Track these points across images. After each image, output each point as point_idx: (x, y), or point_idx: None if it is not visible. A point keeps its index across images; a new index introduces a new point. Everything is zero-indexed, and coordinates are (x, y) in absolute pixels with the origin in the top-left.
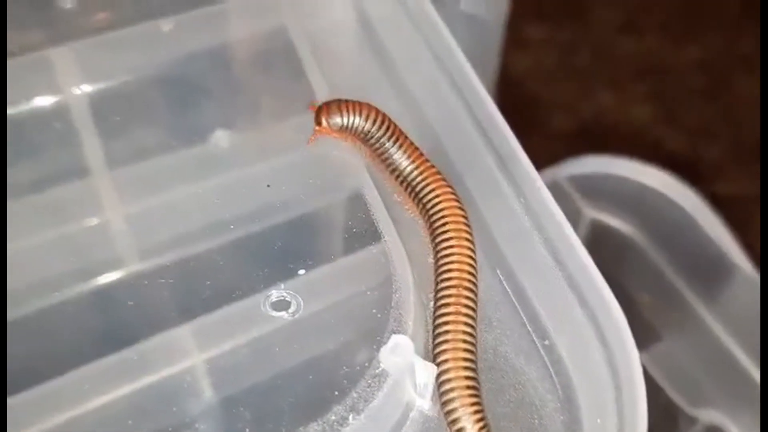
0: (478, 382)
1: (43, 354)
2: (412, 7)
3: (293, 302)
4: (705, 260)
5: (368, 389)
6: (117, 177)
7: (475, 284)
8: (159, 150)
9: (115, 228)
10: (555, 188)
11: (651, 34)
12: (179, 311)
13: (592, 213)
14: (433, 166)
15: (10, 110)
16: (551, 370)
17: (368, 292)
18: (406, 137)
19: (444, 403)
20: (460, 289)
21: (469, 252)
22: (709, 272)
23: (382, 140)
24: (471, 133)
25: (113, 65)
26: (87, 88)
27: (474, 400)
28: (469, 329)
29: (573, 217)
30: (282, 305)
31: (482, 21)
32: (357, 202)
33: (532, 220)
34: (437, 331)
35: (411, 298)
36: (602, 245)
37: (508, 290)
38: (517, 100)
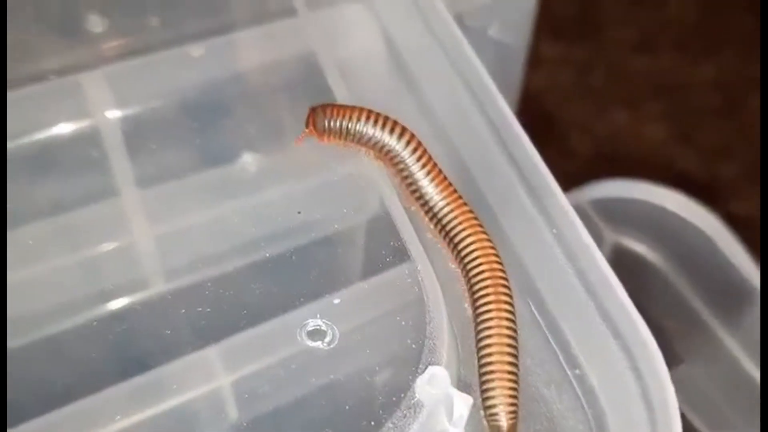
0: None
1: (67, 375)
2: (439, 33)
3: (329, 332)
4: (726, 284)
5: (404, 420)
6: (145, 199)
7: (514, 321)
8: (188, 172)
9: (142, 249)
10: (577, 212)
11: (665, 52)
12: (206, 334)
13: (613, 237)
14: (455, 191)
15: (41, 134)
16: (583, 400)
17: (402, 322)
18: (424, 151)
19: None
20: (501, 328)
21: (506, 298)
22: (729, 296)
23: (381, 141)
24: (500, 159)
25: (143, 89)
26: (117, 112)
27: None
28: (513, 363)
29: (595, 241)
30: (318, 335)
31: (507, 45)
32: (385, 223)
33: (565, 250)
34: (482, 361)
35: (444, 328)
36: (624, 269)
37: (540, 320)
38: (531, 118)
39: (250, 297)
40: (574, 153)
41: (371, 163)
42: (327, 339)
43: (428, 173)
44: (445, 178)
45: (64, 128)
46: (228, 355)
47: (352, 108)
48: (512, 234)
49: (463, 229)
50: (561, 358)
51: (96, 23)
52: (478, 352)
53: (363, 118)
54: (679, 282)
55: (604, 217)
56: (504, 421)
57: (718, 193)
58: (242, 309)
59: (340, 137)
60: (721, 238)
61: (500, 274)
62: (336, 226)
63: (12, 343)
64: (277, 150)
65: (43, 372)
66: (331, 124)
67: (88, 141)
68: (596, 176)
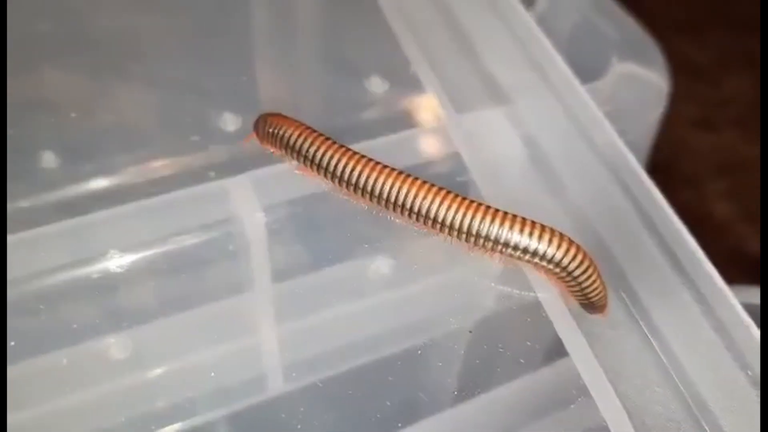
0: None
1: None
2: (592, 133)
3: None
4: None
5: None
6: (278, 298)
7: None
8: (321, 271)
9: (265, 347)
10: None
11: (726, 130)
12: None
13: None
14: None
15: (189, 239)
16: None
17: None
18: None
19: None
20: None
21: None
22: None
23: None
24: (663, 263)
25: (286, 193)
26: (260, 215)
27: None
28: None
29: None
30: None
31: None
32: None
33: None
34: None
35: None
36: None
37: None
38: None
39: (377, 399)
40: None
41: (490, 263)
42: None
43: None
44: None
45: (210, 230)
46: None
47: (294, 123)
48: (669, 334)
49: None
50: None
51: (230, 122)
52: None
53: (306, 138)
54: None
55: None
56: (604, 290)
57: None
58: (371, 412)
59: (277, 146)
60: None
61: None
62: (457, 325)
63: None
64: (405, 250)
65: None
66: (269, 131)
67: (232, 241)
68: None
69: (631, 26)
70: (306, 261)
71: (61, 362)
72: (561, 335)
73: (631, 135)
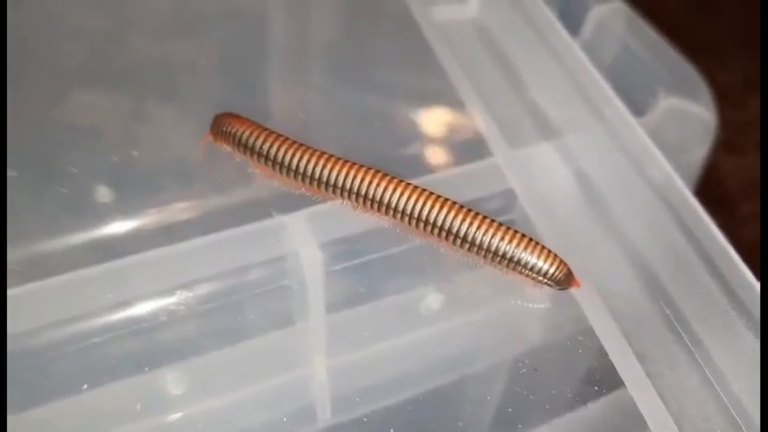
0: None
1: None
2: (649, 173)
3: None
4: None
5: None
6: (330, 331)
7: None
8: (372, 306)
9: (316, 378)
10: None
11: (752, 152)
12: None
13: None
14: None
15: (246, 275)
16: None
17: None
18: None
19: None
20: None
21: None
22: None
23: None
24: (718, 295)
25: (341, 229)
26: (315, 251)
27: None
28: None
29: None
30: None
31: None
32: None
33: None
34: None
35: None
36: None
37: None
38: None
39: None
40: None
41: (538, 294)
42: None
43: None
44: None
45: (268, 265)
46: None
47: (250, 124)
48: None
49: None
50: None
51: None
52: (498, 255)
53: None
54: None
55: None
56: (563, 265)
57: None
58: None
59: (231, 144)
60: None
61: None
62: (506, 357)
63: None
64: (456, 284)
65: None
66: (224, 130)
67: (284, 277)
68: None
69: (674, 58)
70: (358, 296)
71: (120, 396)
72: (621, 374)
73: (679, 170)
